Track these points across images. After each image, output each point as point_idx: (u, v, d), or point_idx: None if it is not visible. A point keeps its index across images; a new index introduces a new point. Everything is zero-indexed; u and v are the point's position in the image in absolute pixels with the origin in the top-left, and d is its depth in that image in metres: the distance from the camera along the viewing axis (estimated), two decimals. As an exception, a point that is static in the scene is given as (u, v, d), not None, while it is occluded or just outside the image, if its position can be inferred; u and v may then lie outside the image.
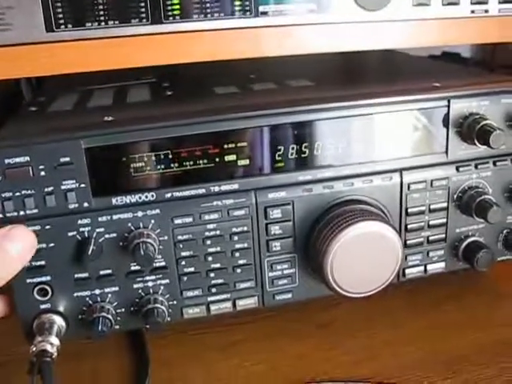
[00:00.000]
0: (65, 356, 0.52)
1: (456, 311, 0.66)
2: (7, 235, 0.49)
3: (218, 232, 0.56)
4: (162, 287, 0.57)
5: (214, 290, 0.58)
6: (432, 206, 0.61)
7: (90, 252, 0.52)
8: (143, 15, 0.51)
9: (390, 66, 0.83)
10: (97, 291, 0.55)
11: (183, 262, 0.56)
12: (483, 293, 0.69)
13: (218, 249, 0.57)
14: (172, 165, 0.54)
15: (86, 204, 0.53)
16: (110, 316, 0.55)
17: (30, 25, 0.49)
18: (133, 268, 0.55)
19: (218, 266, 0.57)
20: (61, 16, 0.49)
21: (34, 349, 0.51)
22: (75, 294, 0.55)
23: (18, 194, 0.51)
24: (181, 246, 0.56)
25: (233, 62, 0.55)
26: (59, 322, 0.54)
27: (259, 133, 0.55)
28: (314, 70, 0.75)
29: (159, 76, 0.74)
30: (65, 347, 0.53)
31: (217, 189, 0.55)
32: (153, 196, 0.54)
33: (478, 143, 0.59)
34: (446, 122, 0.60)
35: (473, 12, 0.58)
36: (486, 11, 0.59)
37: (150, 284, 0.56)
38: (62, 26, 0.50)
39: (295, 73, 0.72)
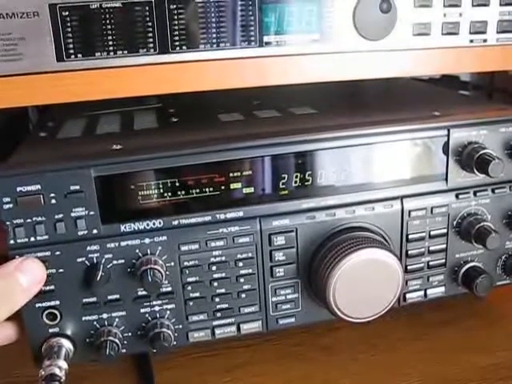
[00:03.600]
0: (70, 376, 0.53)
1: (455, 335, 0.67)
2: (19, 266, 0.50)
3: (223, 258, 0.57)
4: (168, 312, 0.58)
5: (218, 314, 0.59)
6: (432, 233, 0.62)
7: (98, 278, 0.53)
8: (151, 45, 0.52)
9: (391, 92, 0.84)
10: (104, 315, 0.56)
11: (189, 288, 0.57)
12: (482, 316, 0.70)
13: (223, 274, 0.58)
14: (179, 192, 0.55)
15: (95, 231, 0.54)
16: (117, 340, 0.56)
17: (41, 54, 0.50)
18: (140, 293, 0.56)
19: (222, 291, 0.58)
20: (71, 46, 0.50)
21: (43, 372, 0.52)
22: (83, 318, 0.56)
23: (28, 220, 0.52)
24: (187, 271, 0.57)
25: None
26: (67, 345, 0.55)
27: (264, 162, 0.57)
28: (315, 96, 0.76)
29: (164, 101, 0.76)
30: (70, 367, 0.54)
31: (222, 216, 0.57)
32: (160, 223, 0.55)
33: (477, 172, 0.60)
34: (445, 150, 0.61)
35: (472, 41, 0.59)
36: (485, 40, 0.59)
37: (157, 309, 0.57)
38: (72, 56, 0.51)
39: (298, 99, 0.73)
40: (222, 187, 0.56)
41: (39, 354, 0.55)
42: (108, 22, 0.50)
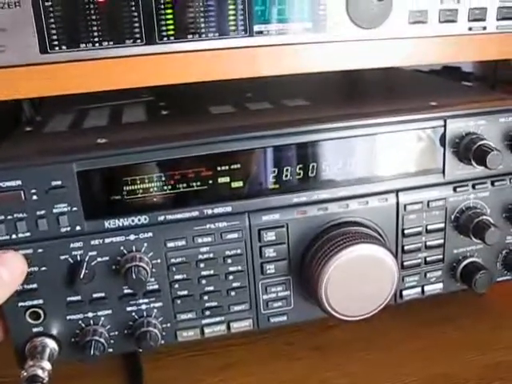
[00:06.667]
0: (58, 375, 0.52)
1: (454, 332, 0.65)
2: None
3: (211, 255, 0.56)
4: (155, 310, 0.56)
5: (207, 312, 0.57)
6: (429, 227, 0.60)
7: (82, 275, 0.52)
8: (137, 35, 0.51)
9: (387, 83, 0.82)
10: (90, 314, 0.55)
11: (176, 285, 0.56)
12: (482, 314, 0.68)
13: (212, 272, 0.56)
14: (165, 187, 0.54)
15: (78, 227, 0.52)
16: (102, 339, 0.54)
17: (24, 46, 0.49)
18: (126, 291, 0.55)
19: (211, 288, 0.57)
20: (55, 37, 0.49)
21: (25, 374, 0.51)
22: (68, 317, 0.55)
23: (9, 217, 0.51)
24: (174, 269, 0.55)
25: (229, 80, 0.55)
26: (52, 345, 0.54)
27: (253, 155, 0.55)
28: (309, 88, 0.74)
29: (156, 94, 0.74)
30: (58, 366, 0.53)
31: (210, 211, 0.55)
32: (145, 219, 0.54)
33: (475, 164, 0.58)
34: (442, 141, 0.59)
35: (470, 29, 0.58)
36: (484, 28, 0.58)
37: (144, 307, 0.56)
38: (56, 48, 0.49)
39: (291, 91, 0.71)
40: (210, 181, 0.54)
41: (23, 354, 0.54)
42: (93, 12, 0.49)
